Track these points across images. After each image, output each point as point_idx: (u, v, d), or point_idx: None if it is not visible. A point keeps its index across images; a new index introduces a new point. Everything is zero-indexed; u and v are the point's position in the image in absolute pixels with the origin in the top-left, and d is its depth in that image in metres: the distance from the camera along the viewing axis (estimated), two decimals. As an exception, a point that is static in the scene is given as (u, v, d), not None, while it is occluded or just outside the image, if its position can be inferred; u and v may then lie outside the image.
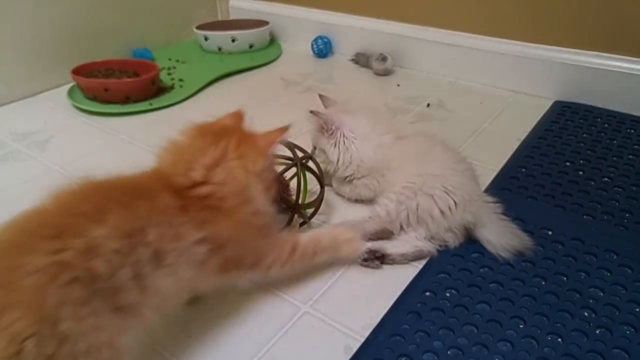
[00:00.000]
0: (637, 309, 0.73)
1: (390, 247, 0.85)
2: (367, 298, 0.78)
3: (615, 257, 0.82)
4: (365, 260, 0.83)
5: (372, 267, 0.83)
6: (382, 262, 0.84)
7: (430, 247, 0.85)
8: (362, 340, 0.71)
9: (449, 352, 0.68)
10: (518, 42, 1.37)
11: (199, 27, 1.74)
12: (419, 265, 0.83)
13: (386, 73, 1.54)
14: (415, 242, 0.85)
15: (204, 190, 0.65)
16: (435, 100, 1.37)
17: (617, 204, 0.95)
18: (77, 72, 1.40)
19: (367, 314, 0.75)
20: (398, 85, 1.48)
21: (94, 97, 1.38)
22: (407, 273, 0.82)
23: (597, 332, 0.70)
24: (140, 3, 1.65)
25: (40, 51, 1.45)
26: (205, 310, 0.76)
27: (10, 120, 1.35)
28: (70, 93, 1.42)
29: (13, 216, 0.56)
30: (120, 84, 1.39)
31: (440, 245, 0.86)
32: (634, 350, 0.67)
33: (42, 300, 0.50)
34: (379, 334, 0.71)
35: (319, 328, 0.73)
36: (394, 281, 0.80)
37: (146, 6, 1.67)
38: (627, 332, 0.70)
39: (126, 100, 1.37)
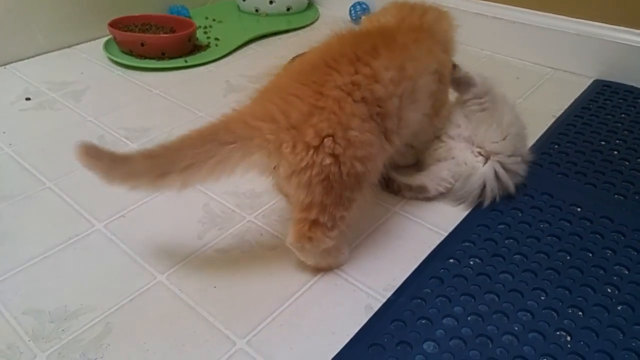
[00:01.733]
0: (663, 290, 0.73)
1: (399, 176, 0.91)
2: (390, 261, 0.79)
3: (644, 237, 0.81)
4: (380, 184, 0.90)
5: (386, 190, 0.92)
6: (387, 186, 0.91)
7: (433, 187, 0.89)
8: (384, 300, 0.72)
9: (469, 318, 0.69)
10: (560, 17, 1.32)
11: (236, -13, 1.73)
12: (443, 233, 0.84)
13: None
14: (424, 179, 0.90)
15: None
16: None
17: (650, 185, 0.93)
18: (114, 25, 1.41)
19: (390, 276, 0.76)
20: (433, 55, 1.46)
21: (130, 51, 1.40)
22: (432, 239, 0.82)
23: (619, 308, 0.70)
24: (178, -41, 1.65)
25: (78, 2, 1.46)
26: (232, 262, 0.78)
27: (47, 70, 1.37)
28: (107, 46, 1.43)
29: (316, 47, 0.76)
30: (156, 39, 1.40)
31: (448, 186, 0.90)
32: (656, 329, 0.67)
33: (340, 111, 0.63)
34: (401, 295, 0.72)
35: (342, 286, 0.75)
36: (418, 246, 0.81)
37: (184, -37, 1.66)
38: (651, 310, 0.70)
39: (162, 55, 1.38)
